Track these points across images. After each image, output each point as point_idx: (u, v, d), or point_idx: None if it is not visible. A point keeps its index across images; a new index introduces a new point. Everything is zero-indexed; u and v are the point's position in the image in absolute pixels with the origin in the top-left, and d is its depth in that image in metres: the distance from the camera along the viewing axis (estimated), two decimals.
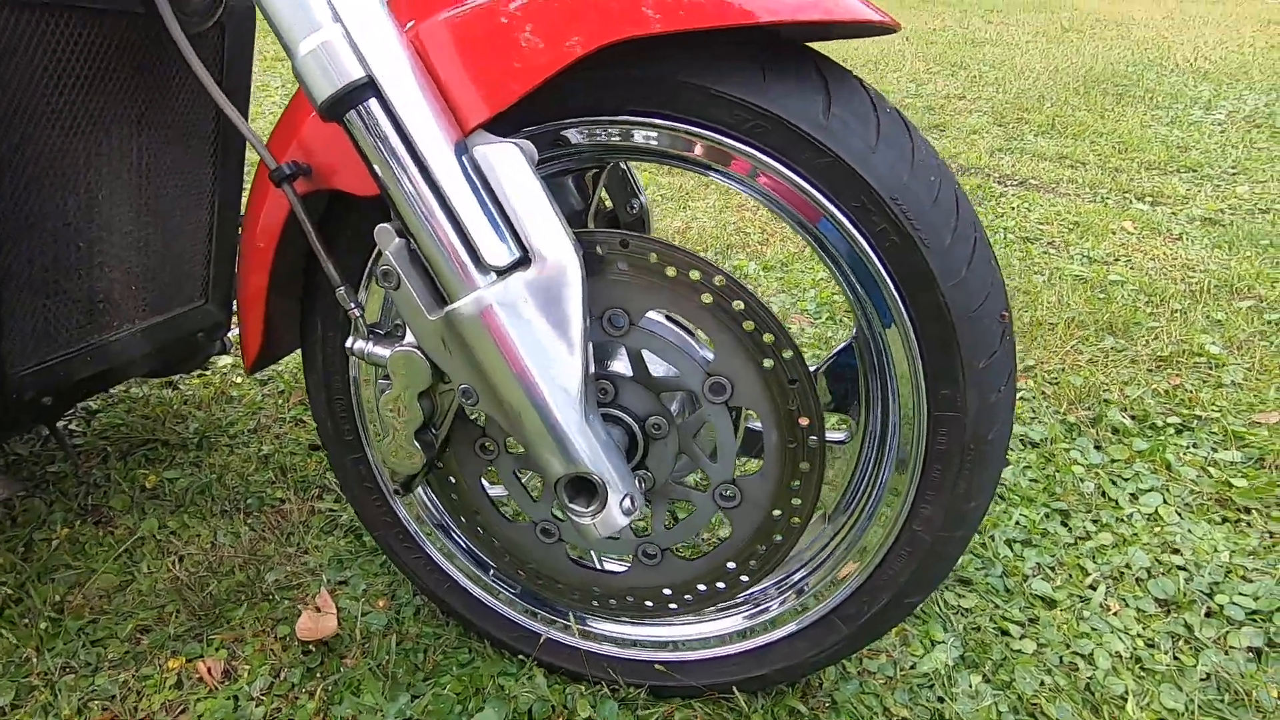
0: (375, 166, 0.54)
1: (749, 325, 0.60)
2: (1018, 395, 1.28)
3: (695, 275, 0.60)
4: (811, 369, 0.69)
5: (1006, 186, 2.46)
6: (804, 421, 0.62)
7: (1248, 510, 1.05)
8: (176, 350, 0.95)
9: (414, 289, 0.57)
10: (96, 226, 0.78)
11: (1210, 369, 1.38)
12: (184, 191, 0.88)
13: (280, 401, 1.27)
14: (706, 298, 0.60)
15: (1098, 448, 1.17)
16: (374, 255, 0.67)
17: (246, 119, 0.79)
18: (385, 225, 0.57)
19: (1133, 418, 1.24)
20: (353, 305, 0.62)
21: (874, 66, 4.05)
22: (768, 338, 0.60)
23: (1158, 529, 1.02)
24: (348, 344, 0.64)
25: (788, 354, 0.61)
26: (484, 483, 0.75)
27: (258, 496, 1.06)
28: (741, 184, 0.60)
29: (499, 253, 0.55)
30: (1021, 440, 1.19)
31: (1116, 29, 5.34)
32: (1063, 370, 1.38)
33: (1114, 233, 2.06)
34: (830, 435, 0.70)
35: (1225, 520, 1.04)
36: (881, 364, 0.65)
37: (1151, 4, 6.70)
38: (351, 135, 0.54)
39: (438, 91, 0.55)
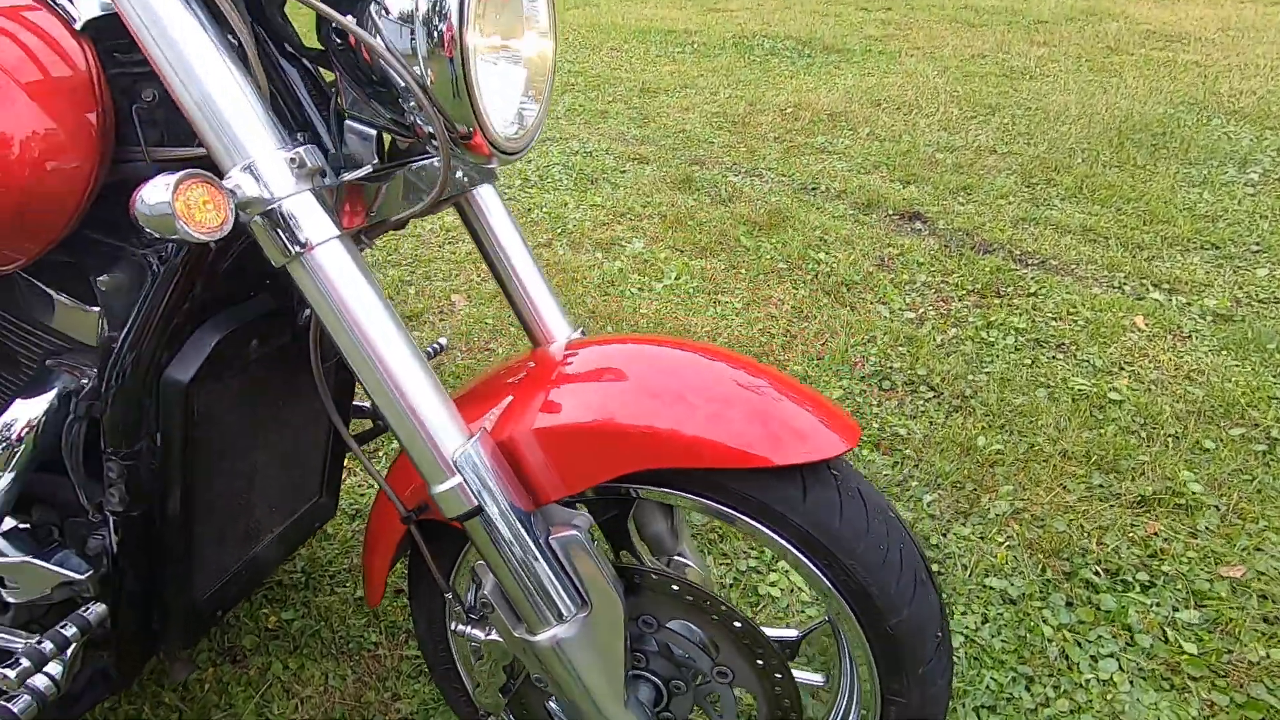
0: (475, 539, 0.75)
1: (746, 640, 0.81)
2: (1005, 543, 1.46)
3: (706, 603, 0.81)
4: (796, 632, 0.89)
5: (1026, 268, 2.56)
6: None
7: (1194, 678, 1.21)
8: (300, 540, 1.18)
9: (504, 615, 0.78)
10: (257, 479, 1.01)
11: (1187, 513, 1.52)
12: (313, 415, 1.09)
13: None
14: (715, 616, 0.81)
15: (1069, 604, 1.34)
16: (466, 548, 0.89)
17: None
18: (481, 563, 0.79)
19: (1106, 571, 1.40)
20: (459, 607, 0.84)
21: (907, 111, 4.11)
22: (759, 650, 0.81)
23: (1110, 696, 1.19)
24: (451, 626, 0.86)
25: (775, 661, 0.81)
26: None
27: (357, 641, 1.30)
28: (744, 530, 0.79)
29: (567, 605, 0.75)
30: (1001, 596, 1.36)
31: (1164, 48, 5.23)
32: (1049, 513, 1.53)
33: (1125, 331, 2.17)
34: (810, 677, 0.91)
35: (1172, 688, 1.20)
36: (848, 645, 0.84)
37: (1208, 6, 6.49)
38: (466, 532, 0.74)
39: (519, 478, 0.75)
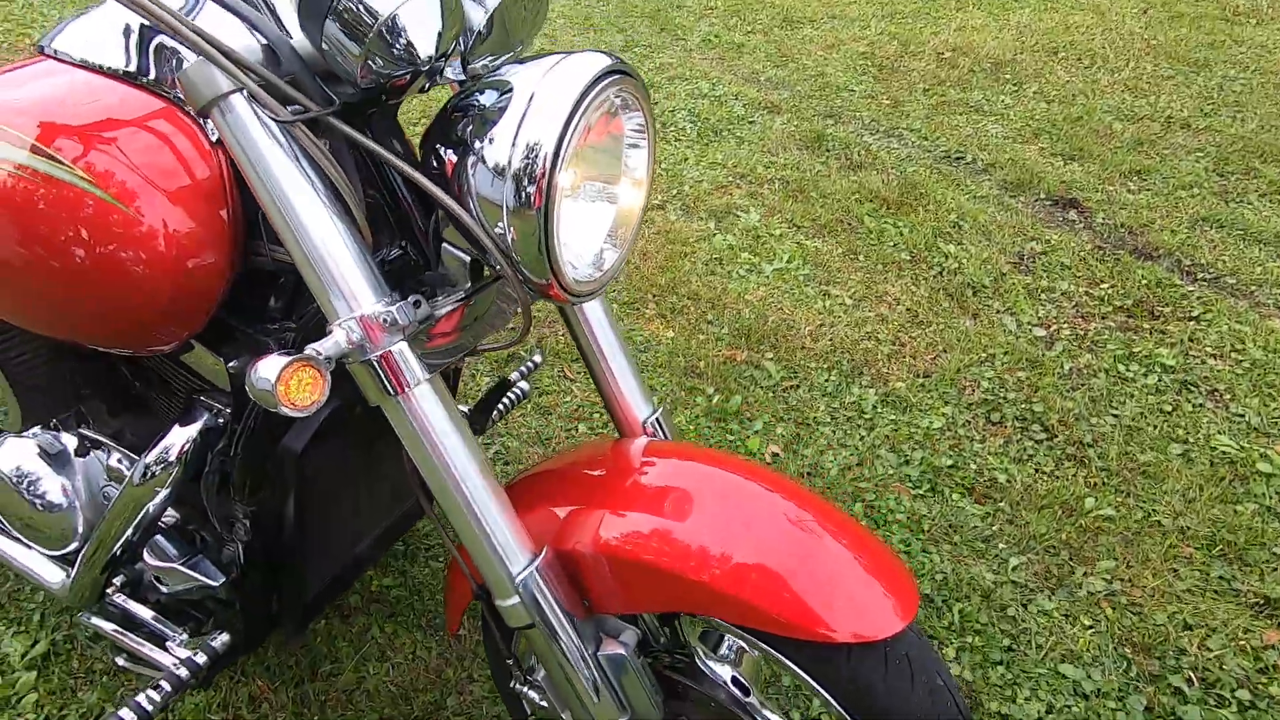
0: (531, 640, 0.80)
1: None
2: (1091, 628, 1.38)
3: None
4: None
5: (1194, 284, 2.26)
6: None
7: None
8: (400, 534, 1.31)
9: (554, 699, 0.84)
10: (360, 500, 1.12)
11: None
12: None
13: None
14: None
15: (1148, 710, 1.27)
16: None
17: None
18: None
19: (1201, 680, 1.30)
20: (519, 671, 0.91)
21: (1089, 63, 3.57)
22: None
23: None
24: (511, 683, 0.93)
25: None
26: None
27: (443, 617, 1.45)
28: (789, 674, 0.80)
29: (608, 710, 0.80)
30: (1074, 687, 1.30)
31: None
32: (1150, 601, 1.42)
33: None
34: None
35: None
36: None
37: None
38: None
39: (579, 584, 0.79)
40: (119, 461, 1.06)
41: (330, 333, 0.66)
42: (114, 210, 0.71)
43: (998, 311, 2.17)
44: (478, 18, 0.70)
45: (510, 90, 0.67)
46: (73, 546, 1.10)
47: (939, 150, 2.99)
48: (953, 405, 1.86)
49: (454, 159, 0.69)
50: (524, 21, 0.75)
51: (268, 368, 0.60)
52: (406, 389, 0.69)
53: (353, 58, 0.61)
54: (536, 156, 0.63)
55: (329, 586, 1.14)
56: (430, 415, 0.71)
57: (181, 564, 0.99)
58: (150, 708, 0.91)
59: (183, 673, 0.96)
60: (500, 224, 0.66)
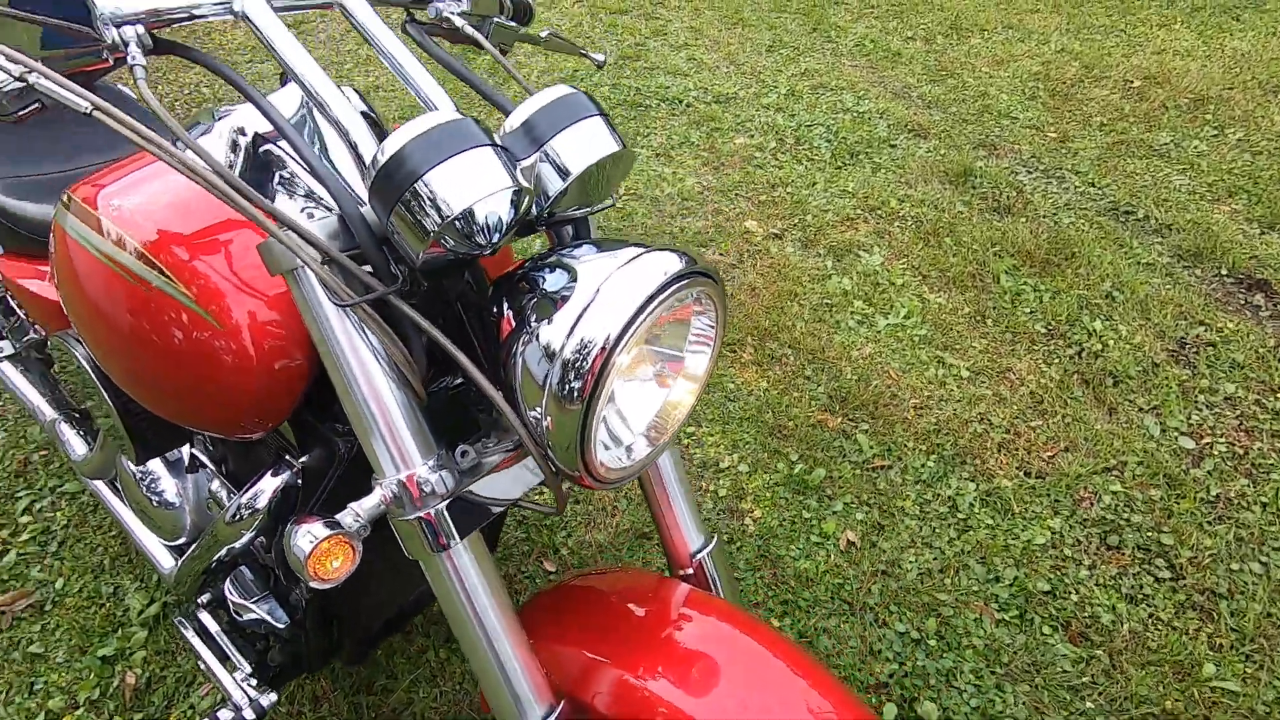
0: None
1: None
2: None
3: None
4: None
5: None
6: None
7: None
8: None
9: None
10: None
11: None
12: None
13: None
14: None
15: None
16: None
17: None
18: None
19: None
20: None
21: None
22: None
23: None
24: None
25: None
26: None
27: None
28: None
29: None
30: None
31: None
32: None
33: None
34: None
35: None
36: None
37: None
38: None
39: None
40: (219, 488, 1.15)
41: (373, 489, 0.67)
42: (207, 325, 0.75)
43: (1140, 410, 1.92)
44: (556, 186, 0.67)
45: (576, 280, 0.64)
46: (181, 541, 1.22)
47: (1105, 200, 2.66)
48: (1063, 518, 1.68)
49: (512, 324, 0.67)
50: (605, 183, 0.72)
51: (304, 539, 0.62)
52: (445, 548, 0.69)
53: (416, 246, 0.60)
54: (588, 354, 0.60)
55: (387, 624, 1.20)
56: (465, 573, 0.71)
57: (253, 601, 1.06)
58: None
59: (247, 714, 1.04)
60: (539, 408, 0.63)
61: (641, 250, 0.65)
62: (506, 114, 0.76)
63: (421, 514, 0.68)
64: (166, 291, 0.75)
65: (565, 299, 0.63)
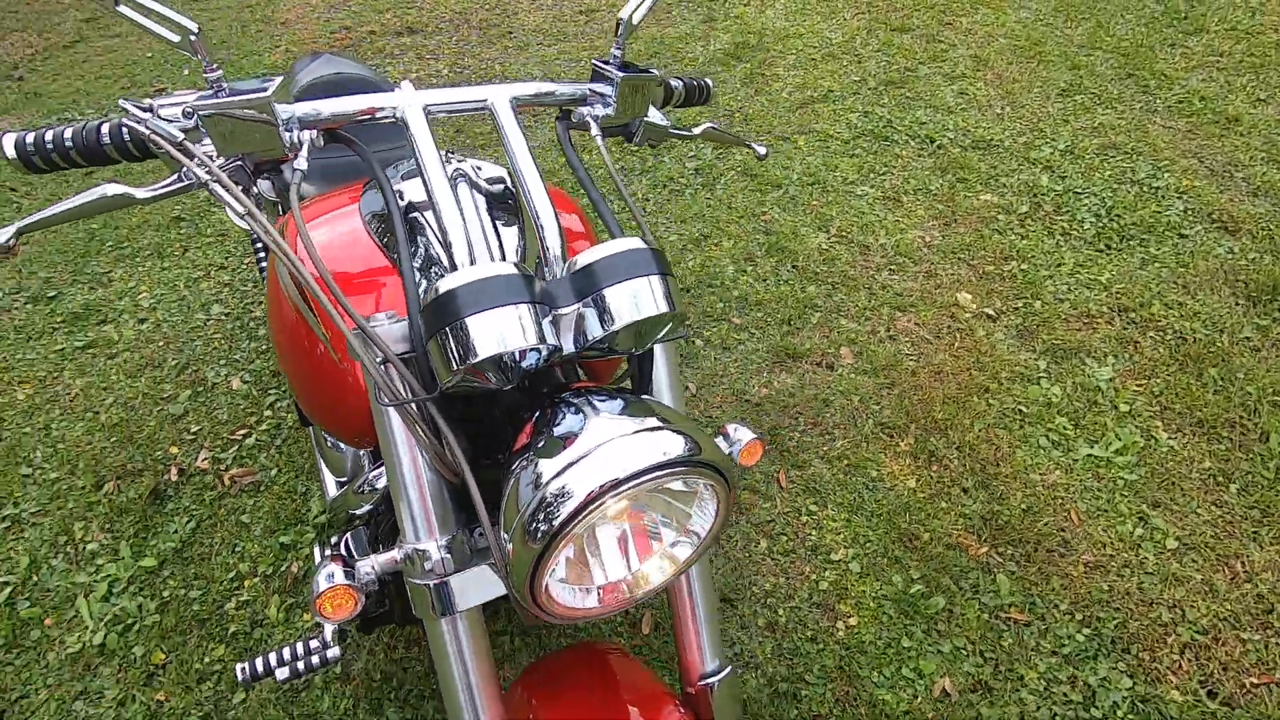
0: None
1: None
2: None
3: None
4: None
5: None
6: None
7: None
8: None
9: None
10: None
11: None
12: None
13: None
14: None
15: None
16: None
17: None
18: None
19: None
20: None
21: None
22: None
23: None
24: None
25: None
26: None
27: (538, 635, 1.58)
28: None
29: None
30: None
31: None
32: None
33: None
34: None
35: None
36: None
37: None
38: None
39: None
40: (364, 456, 1.35)
41: (395, 547, 0.76)
42: (330, 358, 0.89)
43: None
44: (597, 333, 0.68)
45: (584, 430, 0.65)
46: (344, 480, 1.47)
47: None
48: None
49: (525, 441, 0.70)
50: (643, 337, 0.71)
51: (323, 577, 0.72)
52: (445, 615, 0.76)
53: (443, 375, 0.65)
54: (561, 503, 0.61)
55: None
56: (464, 642, 0.78)
57: (358, 558, 1.25)
58: (292, 662, 1.19)
59: (331, 652, 1.23)
60: (509, 532, 0.66)
61: (658, 426, 0.64)
62: (611, 235, 0.79)
63: (433, 581, 0.75)
64: (308, 320, 0.90)
65: (567, 444, 0.65)
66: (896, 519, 1.74)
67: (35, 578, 1.81)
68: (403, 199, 0.90)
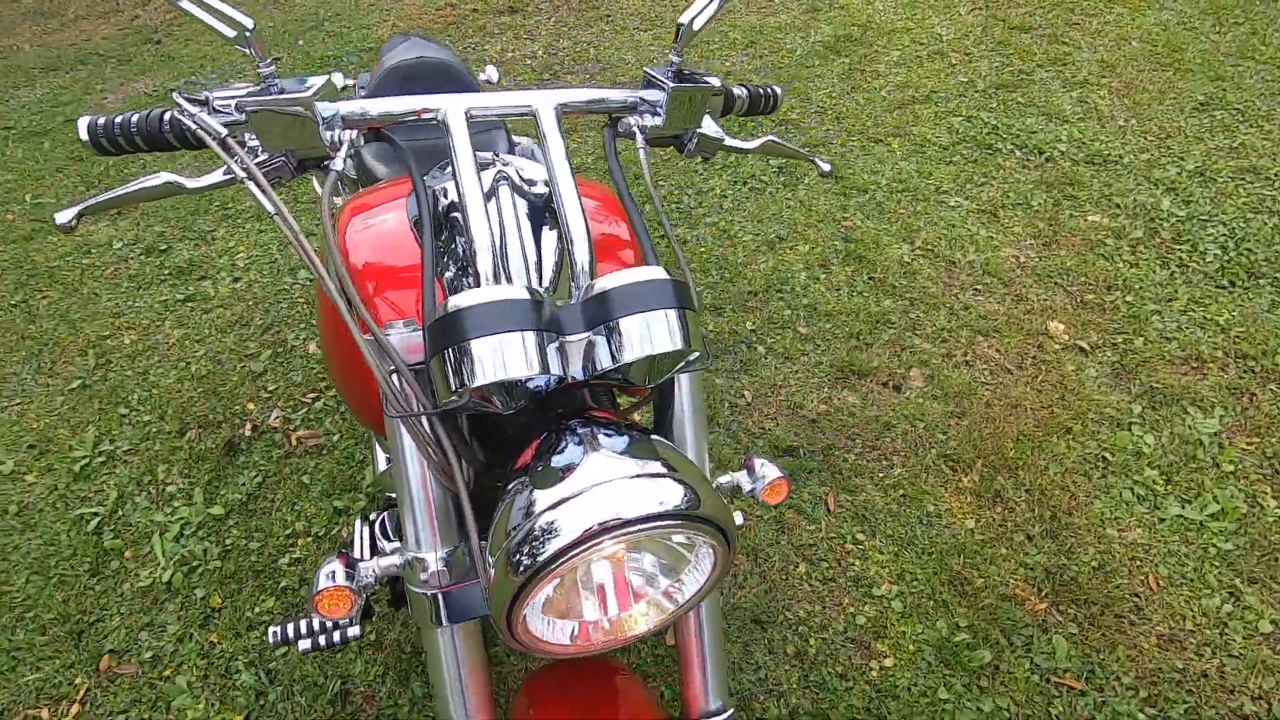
0: None
1: None
2: None
3: None
4: None
5: None
6: None
7: None
8: None
9: None
10: None
11: None
12: None
13: None
14: None
15: None
16: None
17: None
18: None
19: None
20: None
21: None
22: None
23: None
24: None
25: None
26: None
27: None
28: None
29: None
30: None
31: None
32: None
33: None
34: None
35: None
36: None
37: None
38: None
39: None
40: None
41: (398, 553, 0.76)
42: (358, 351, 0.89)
43: None
44: (606, 363, 0.65)
45: (581, 464, 0.62)
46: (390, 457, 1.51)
47: None
48: None
49: (526, 460, 0.68)
50: (656, 372, 0.68)
51: (323, 576, 0.73)
52: (446, 626, 0.76)
53: (442, 394, 0.63)
54: (549, 540, 0.59)
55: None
56: (459, 654, 0.77)
57: (388, 540, 1.28)
58: (313, 635, 1.23)
59: (351, 630, 1.26)
60: (493, 557, 0.64)
61: (660, 473, 0.61)
62: (645, 261, 0.75)
63: (431, 591, 0.75)
64: (340, 310, 0.91)
65: (564, 476, 0.63)
66: (949, 559, 1.63)
67: (120, 512, 1.95)
68: (447, 197, 0.89)
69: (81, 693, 1.60)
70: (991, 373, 2.02)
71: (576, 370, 0.65)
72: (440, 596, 0.75)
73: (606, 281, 0.65)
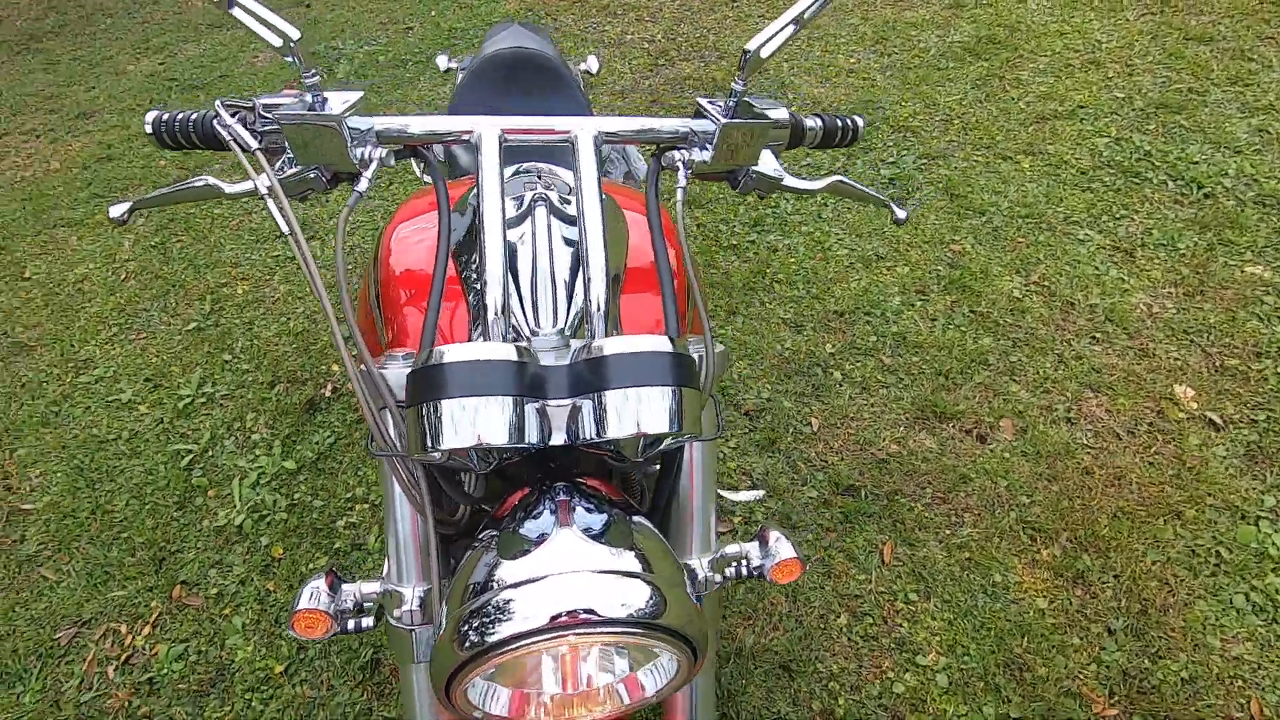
0: None
1: None
2: None
3: None
4: None
5: None
6: None
7: None
8: None
9: None
10: None
11: None
12: None
13: None
14: None
15: None
16: None
17: None
18: None
19: None
20: None
21: None
22: None
23: None
24: None
25: None
26: None
27: None
28: None
29: None
30: None
31: None
32: None
33: None
34: None
35: None
36: None
37: None
38: None
39: None
40: None
41: (379, 580, 0.75)
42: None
43: None
44: (590, 433, 0.60)
45: (546, 544, 0.58)
46: None
47: None
48: None
49: (504, 512, 0.65)
50: (649, 447, 0.62)
51: (305, 595, 0.72)
52: (419, 663, 0.75)
53: (411, 446, 0.60)
54: (499, 624, 0.55)
55: None
56: (426, 694, 0.76)
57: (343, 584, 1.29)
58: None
59: (365, 621, 1.29)
60: (445, 613, 0.61)
61: (629, 571, 0.56)
62: (666, 322, 0.69)
63: (406, 628, 0.73)
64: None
65: (528, 550, 0.59)
66: (1010, 639, 1.48)
67: (210, 453, 2.11)
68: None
69: (154, 615, 1.75)
70: (1096, 435, 1.80)
71: (560, 438, 0.60)
72: (416, 633, 0.73)
73: (602, 345, 0.60)
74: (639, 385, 0.58)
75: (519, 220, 0.86)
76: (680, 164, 0.76)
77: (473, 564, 0.62)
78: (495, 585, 0.56)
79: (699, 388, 0.64)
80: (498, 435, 0.57)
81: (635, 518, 0.64)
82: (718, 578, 0.76)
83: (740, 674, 1.48)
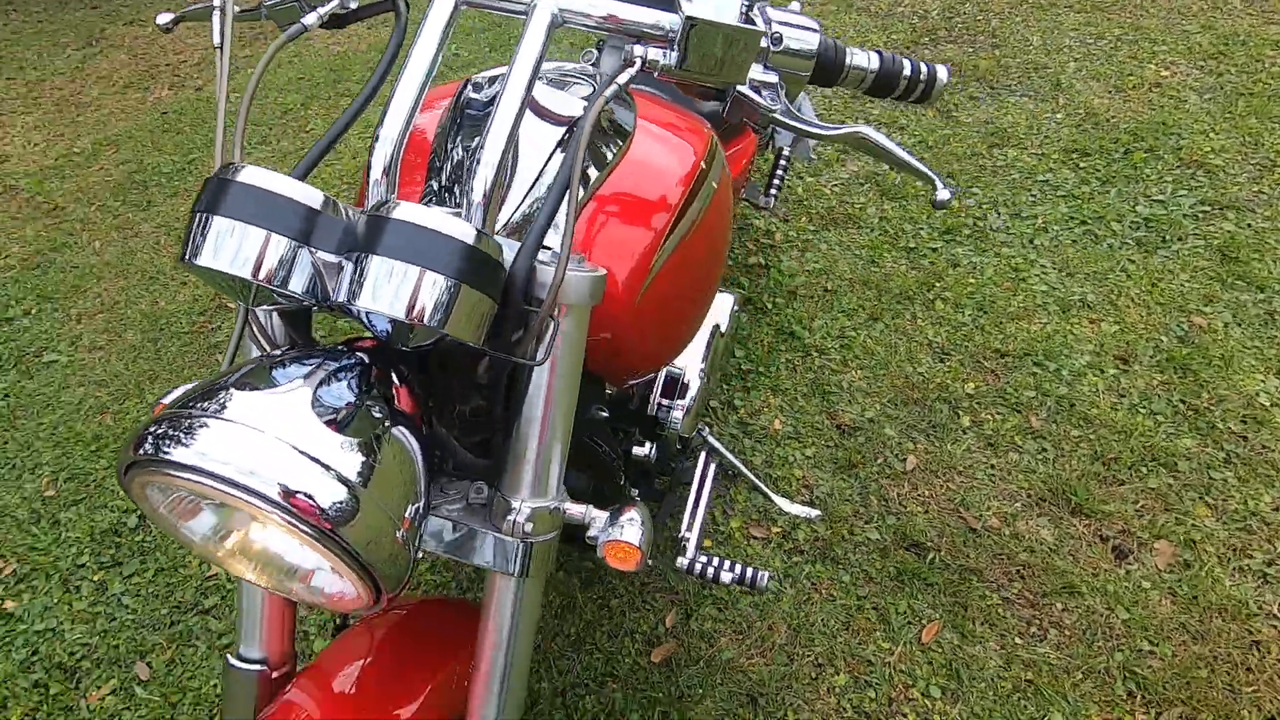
0: None
1: None
2: None
3: None
4: None
5: None
6: None
7: None
8: None
9: None
10: None
11: None
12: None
13: None
14: None
15: None
16: None
17: None
18: None
19: None
20: None
21: None
22: None
23: None
24: None
25: None
26: None
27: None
28: None
29: None
30: None
31: None
32: None
33: None
34: None
35: None
36: None
37: None
38: None
39: None
40: None
41: None
42: None
43: None
44: (341, 297, 0.54)
45: (266, 389, 0.55)
46: None
47: None
48: None
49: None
50: (416, 335, 0.56)
51: None
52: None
53: (182, 250, 0.57)
54: (166, 444, 0.51)
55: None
56: None
57: None
58: None
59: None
60: (166, 403, 0.59)
61: (335, 472, 0.51)
62: (559, 234, 0.60)
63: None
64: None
65: (255, 390, 0.54)
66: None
67: None
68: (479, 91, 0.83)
69: None
70: (1250, 638, 1.31)
71: (340, 296, 0.55)
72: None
73: (400, 210, 0.53)
74: (410, 262, 0.51)
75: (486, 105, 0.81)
76: (637, 59, 0.64)
77: (226, 370, 0.59)
78: (200, 405, 0.53)
79: (494, 295, 0.54)
80: (254, 271, 0.53)
81: (399, 429, 0.57)
82: (530, 526, 0.67)
83: (702, 682, 1.34)
